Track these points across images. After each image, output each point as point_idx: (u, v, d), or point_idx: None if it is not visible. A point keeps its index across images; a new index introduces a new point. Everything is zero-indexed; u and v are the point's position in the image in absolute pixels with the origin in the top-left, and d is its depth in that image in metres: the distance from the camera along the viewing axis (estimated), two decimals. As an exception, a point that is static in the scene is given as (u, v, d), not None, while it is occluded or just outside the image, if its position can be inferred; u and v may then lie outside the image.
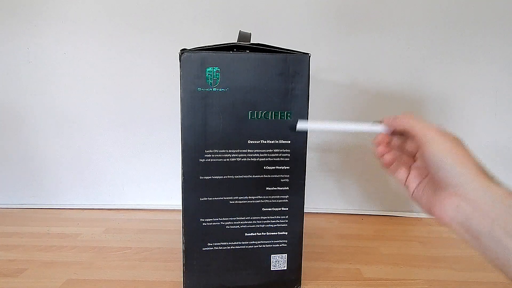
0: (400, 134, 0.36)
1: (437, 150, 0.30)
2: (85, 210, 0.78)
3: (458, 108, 0.75)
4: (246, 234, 0.44)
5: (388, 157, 0.38)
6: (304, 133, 0.43)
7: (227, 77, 0.40)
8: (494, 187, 0.27)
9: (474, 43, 0.73)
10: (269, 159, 0.43)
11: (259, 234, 0.44)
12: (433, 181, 0.32)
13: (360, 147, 0.77)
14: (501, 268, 0.29)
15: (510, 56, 0.73)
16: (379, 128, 0.37)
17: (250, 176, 0.43)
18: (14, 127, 0.77)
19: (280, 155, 0.43)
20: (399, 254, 0.58)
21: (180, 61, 0.40)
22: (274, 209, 0.44)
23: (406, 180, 0.36)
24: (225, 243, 0.44)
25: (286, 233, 0.45)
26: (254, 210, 0.44)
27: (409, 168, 0.37)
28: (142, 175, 0.79)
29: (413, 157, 0.36)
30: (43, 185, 0.79)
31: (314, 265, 0.54)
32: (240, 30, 0.47)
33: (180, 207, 0.42)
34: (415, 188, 0.35)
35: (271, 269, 0.45)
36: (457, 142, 0.31)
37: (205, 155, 0.42)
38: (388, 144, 0.38)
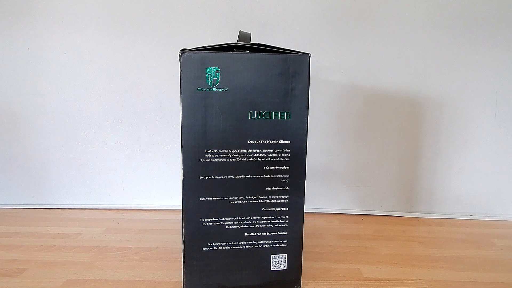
0: None
1: None
2: (85, 210, 0.78)
3: (459, 109, 0.75)
4: (246, 234, 0.44)
5: None
6: (304, 133, 0.43)
7: (227, 77, 0.40)
8: None
9: (474, 44, 0.73)
10: (269, 159, 0.43)
11: (259, 234, 0.44)
12: None
13: (360, 147, 0.77)
14: None
15: (511, 58, 0.73)
16: None
17: (250, 176, 0.43)
18: (14, 127, 0.77)
19: (280, 155, 0.43)
20: (399, 254, 0.58)
21: (180, 61, 0.40)
22: (274, 209, 0.44)
23: None
24: (225, 243, 0.44)
25: (286, 233, 0.45)
26: (254, 210, 0.44)
27: None
28: (142, 175, 0.79)
29: None
30: (43, 185, 0.79)
31: (314, 265, 0.54)
32: (240, 30, 0.47)
33: (180, 207, 0.42)
34: None
35: (271, 269, 0.45)
36: None
37: (205, 155, 0.42)
38: None
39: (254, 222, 0.44)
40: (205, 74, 0.40)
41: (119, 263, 0.54)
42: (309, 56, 0.42)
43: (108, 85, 0.76)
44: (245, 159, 0.42)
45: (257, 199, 0.43)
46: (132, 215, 0.75)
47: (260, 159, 0.43)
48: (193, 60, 0.40)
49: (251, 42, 0.43)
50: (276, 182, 0.43)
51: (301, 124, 0.43)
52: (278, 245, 0.45)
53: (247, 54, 0.41)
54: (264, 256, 0.45)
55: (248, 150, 0.42)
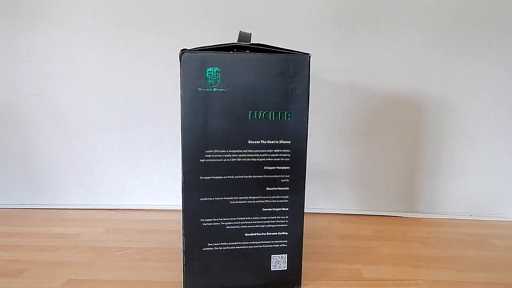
0: None
1: None
2: (85, 210, 0.78)
3: (459, 109, 0.75)
4: (246, 234, 0.44)
5: None
6: (304, 133, 0.43)
7: (227, 77, 0.40)
8: None
9: (475, 44, 0.73)
10: (269, 159, 0.43)
11: (259, 234, 0.44)
12: None
13: (360, 147, 0.77)
14: None
15: (510, 58, 0.73)
16: None
17: (250, 176, 0.43)
18: (14, 127, 0.77)
19: (280, 155, 0.43)
20: (399, 254, 0.58)
21: (180, 61, 0.40)
22: (274, 209, 0.44)
23: None
24: (225, 243, 0.44)
25: (286, 233, 0.45)
26: (254, 210, 0.44)
27: None
28: (142, 175, 0.79)
29: None
30: (43, 185, 0.79)
31: (314, 265, 0.54)
32: (240, 30, 0.47)
33: (180, 207, 0.42)
34: None
35: (271, 269, 0.45)
36: None
37: (205, 155, 0.42)
38: None
39: (254, 222, 0.44)
40: (205, 74, 0.40)
41: (119, 263, 0.54)
42: (309, 56, 0.42)
43: (108, 85, 0.76)
44: (245, 159, 0.42)
45: (257, 199, 0.43)
46: (132, 215, 0.75)
47: (260, 159, 0.43)
48: (193, 60, 0.40)
49: (251, 42, 0.43)
50: (276, 182, 0.43)
51: (301, 124, 0.42)
52: (278, 245, 0.45)
53: (247, 54, 0.41)
54: (264, 256, 0.45)
55: (248, 150, 0.42)
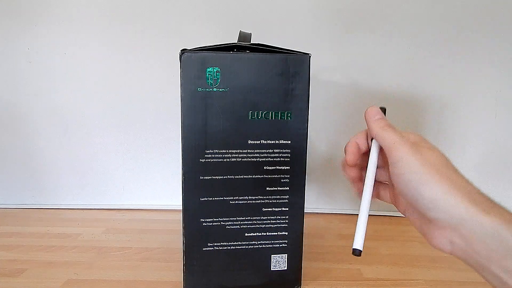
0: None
1: (409, 177, 0.26)
2: (85, 210, 0.78)
3: (459, 109, 0.75)
4: (246, 234, 0.44)
5: (353, 172, 0.35)
6: (304, 133, 0.43)
7: (227, 77, 0.40)
8: (486, 219, 0.24)
9: (475, 44, 0.73)
10: (269, 159, 0.43)
11: (259, 234, 0.44)
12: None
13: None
14: None
15: (511, 58, 0.73)
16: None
17: (250, 176, 0.43)
18: (14, 127, 0.77)
19: (281, 155, 0.43)
20: (399, 254, 0.58)
21: (180, 61, 0.40)
22: (274, 209, 0.44)
23: (389, 196, 0.35)
24: (225, 243, 0.44)
25: (286, 233, 0.45)
26: (254, 210, 0.44)
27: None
28: (142, 175, 0.79)
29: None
30: (43, 185, 0.79)
31: (314, 265, 0.54)
32: (240, 30, 0.47)
33: (180, 207, 0.42)
34: (404, 208, 0.32)
35: (271, 269, 0.45)
36: (436, 161, 0.26)
37: (205, 155, 0.42)
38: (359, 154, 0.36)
39: (254, 222, 0.44)
40: (205, 74, 0.40)
41: (119, 263, 0.54)
42: (309, 56, 0.42)
43: (108, 85, 0.76)
44: (245, 159, 0.42)
45: (257, 199, 0.43)
46: (132, 215, 0.75)
47: (260, 159, 0.43)
48: (193, 60, 0.40)
49: (251, 42, 0.43)
50: (276, 182, 0.43)
51: (301, 124, 0.43)
52: (278, 245, 0.45)
53: (247, 54, 0.41)
54: (264, 256, 0.45)
55: (248, 150, 0.42)
